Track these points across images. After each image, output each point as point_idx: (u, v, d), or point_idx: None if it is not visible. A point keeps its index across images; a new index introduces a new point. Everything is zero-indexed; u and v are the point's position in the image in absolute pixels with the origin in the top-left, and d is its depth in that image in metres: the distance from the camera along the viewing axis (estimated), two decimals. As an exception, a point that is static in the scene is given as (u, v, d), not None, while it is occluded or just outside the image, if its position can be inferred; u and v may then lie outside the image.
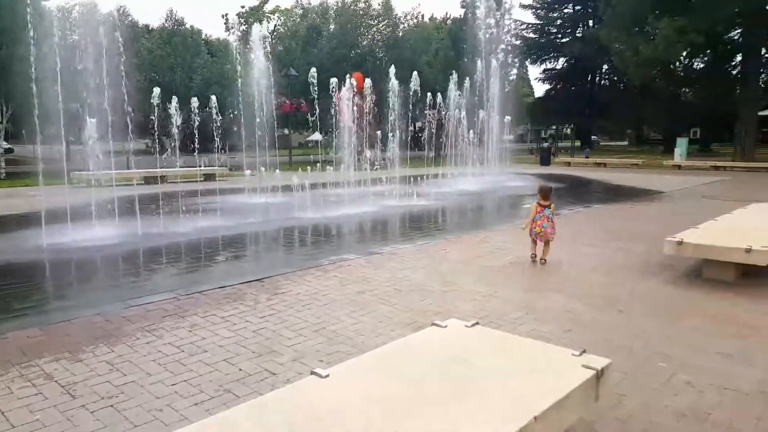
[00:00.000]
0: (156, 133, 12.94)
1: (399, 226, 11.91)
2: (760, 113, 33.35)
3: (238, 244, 9.81)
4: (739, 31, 32.54)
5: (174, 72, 47.61)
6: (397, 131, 17.64)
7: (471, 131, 22.00)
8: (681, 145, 30.37)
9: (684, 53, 33.25)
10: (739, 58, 36.25)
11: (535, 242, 7.77)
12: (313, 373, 2.74)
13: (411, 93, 18.84)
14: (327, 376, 2.72)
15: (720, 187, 18.41)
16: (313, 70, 16.44)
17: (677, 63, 37.30)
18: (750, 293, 6.03)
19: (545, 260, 7.70)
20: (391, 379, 2.75)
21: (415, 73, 19.09)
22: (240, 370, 4.06)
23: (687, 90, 43.66)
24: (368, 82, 16.52)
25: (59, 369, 4.10)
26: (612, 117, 51.75)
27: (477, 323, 3.58)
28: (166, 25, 53.81)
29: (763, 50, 32.62)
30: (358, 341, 4.62)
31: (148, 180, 20.16)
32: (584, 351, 3.03)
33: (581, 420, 3.02)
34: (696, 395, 3.66)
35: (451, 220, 12.99)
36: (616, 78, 51.12)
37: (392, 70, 16.67)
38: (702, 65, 40.59)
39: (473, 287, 6.30)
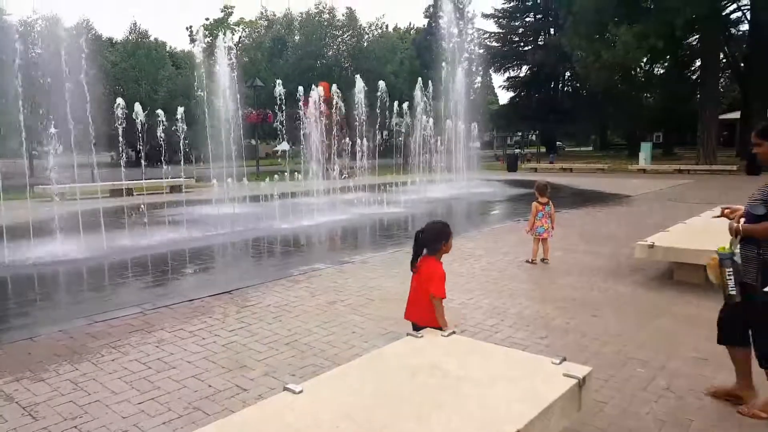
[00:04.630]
0: (121, 145, 12.61)
1: (369, 234, 11.89)
2: (721, 116, 34.37)
3: (206, 256, 9.63)
4: (697, 36, 33.46)
5: (139, 85, 46.71)
6: (365, 140, 17.67)
7: (439, 139, 22.17)
8: (645, 149, 31.01)
9: (644, 58, 34.07)
10: (698, 63, 37.18)
11: (538, 242, 7.89)
12: (285, 389, 2.68)
13: (378, 102, 18.89)
14: (300, 391, 2.65)
15: (685, 190, 18.91)
16: (279, 82, 16.34)
17: (638, 68, 38.36)
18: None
19: (547, 260, 7.85)
20: (367, 393, 2.69)
21: (382, 82, 19.16)
22: (210, 386, 3.97)
23: (648, 95, 44.82)
24: (335, 88, 16.50)
25: (20, 389, 3.94)
26: (576, 122, 52.88)
27: (453, 332, 3.53)
28: (130, 37, 52.85)
29: (721, 55, 33.56)
30: (330, 353, 4.57)
31: (114, 193, 19.68)
32: (564, 359, 3.01)
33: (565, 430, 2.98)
34: (676, 401, 3.65)
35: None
36: (578, 84, 52.36)
37: (358, 78, 16.68)
38: (662, 70, 41.78)
39: (447, 295, 6.27)
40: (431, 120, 21.76)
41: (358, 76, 17.14)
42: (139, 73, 47.43)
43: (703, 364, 4.22)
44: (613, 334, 4.93)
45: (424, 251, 3.75)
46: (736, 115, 37.34)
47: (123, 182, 18.86)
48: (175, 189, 21.37)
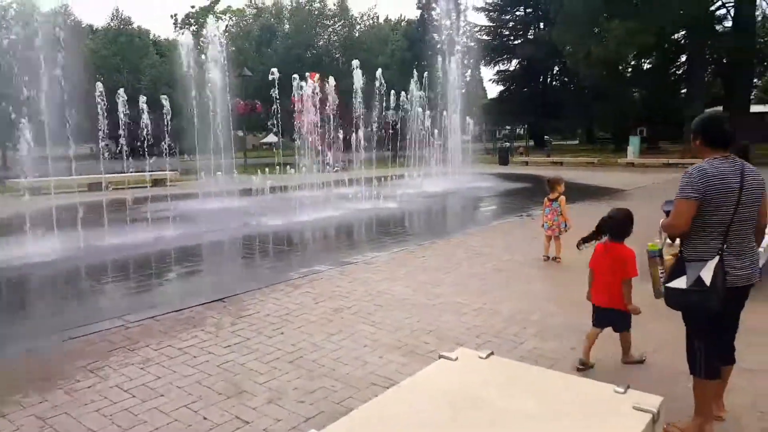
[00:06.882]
0: (101, 136, 11.82)
1: (369, 231, 11.31)
2: (707, 111, 34.48)
3: (194, 257, 8.93)
4: (683, 32, 33.57)
5: (120, 73, 45.38)
6: (359, 131, 17.04)
7: (435, 131, 21.67)
8: (634, 143, 30.96)
9: (633, 54, 34.05)
10: (683, 58, 37.65)
11: (549, 239, 7.45)
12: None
13: (376, 92, 18.31)
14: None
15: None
16: (274, 69, 15.62)
17: (625, 64, 38.42)
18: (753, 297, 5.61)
19: (559, 258, 7.38)
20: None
21: (379, 71, 18.57)
22: (204, 419, 3.36)
23: (635, 90, 45.02)
24: (331, 80, 15.81)
25: (-26, 428, 3.29)
26: (563, 117, 52.67)
27: (492, 353, 2.97)
28: (112, 24, 51.28)
29: (707, 50, 33.75)
30: (342, 373, 4.00)
31: (92, 187, 18.83)
32: (629, 387, 2.47)
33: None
34: (733, 423, 3.22)
35: (422, 223, 12.49)
36: (566, 79, 52.25)
37: (356, 67, 15.99)
38: (649, 65, 41.95)
39: (460, 299, 5.78)
40: (427, 112, 21.21)
41: (355, 62, 16.44)
42: (121, 61, 46.11)
43: (760, 376, 3.79)
44: (650, 342, 4.39)
45: (604, 237, 4.22)
46: (719, 109, 37.45)
47: (102, 175, 18.06)
48: (158, 182, 20.60)
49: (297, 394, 3.70)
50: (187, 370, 4.06)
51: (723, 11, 34.24)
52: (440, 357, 3.00)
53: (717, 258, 2.98)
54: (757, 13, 31.69)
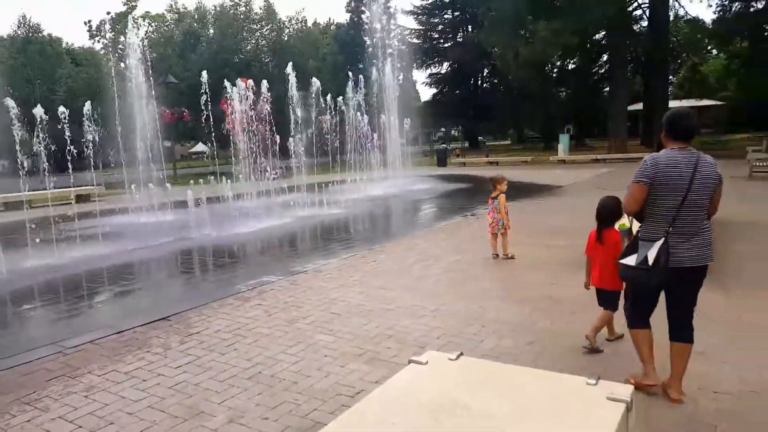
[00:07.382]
0: (21, 152, 10.91)
1: (315, 239, 11.08)
2: (629, 108, 36.36)
3: (131, 275, 8.40)
4: (603, 32, 35.35)
5: (32, 84, 42.53)
6: (297, 136, 16.74)
7: (375, 135, 21.63)
8: (564, 141, 32.05)
9: (558, 54, 35.46)
10: (604, 57, 39.60)
11: (495, 237, 7.56)
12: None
13: (311, 96, 18.09)
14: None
15: (610, 178, 19.03)
16: (204, 72, 15.04)
17: (551, 65, 40.01)
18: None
19: (508, 255, 7.52)
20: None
21: (318, 82, 18.39)
22: (162, 447, 3.12)
23: (561, 90, 46.91)
24: (264, 83, 15.41)
25: None
26: (494, 118, 54.09)
27: (461, 354, 2.91)
28: (19, 32, 47.93)
29: (626, 50, 35.64)
30: (305, 385, 3.85)
31: (10, 206, 17.52)
32: (599, 377, 2.48)
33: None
34: (691, 404, 3.37)
35: (369, 228, 12.38)
36: (496, 81, 53.53)
37: (289, 66, 15.68)
38: (574, 65, 43.90)
39: (416, 301, 5.74)
40: (365, 117, 21.16)
41: (289, 65, 16.13)
42: (33, 71, 43.24)
43: (713, 359, 3.96)
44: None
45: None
46: (639, 106, 39.60)
47: (22, 193, 16.84)
48: (83, 198, 19.42)
49: (259, 410, 3.52)
50: (136, 394, 3.78)
51: (639, 12, 36.31)
52: (410, 362, 2.90)
53: (662, 240, 3.27)
54: (669, 13, 33.57)
